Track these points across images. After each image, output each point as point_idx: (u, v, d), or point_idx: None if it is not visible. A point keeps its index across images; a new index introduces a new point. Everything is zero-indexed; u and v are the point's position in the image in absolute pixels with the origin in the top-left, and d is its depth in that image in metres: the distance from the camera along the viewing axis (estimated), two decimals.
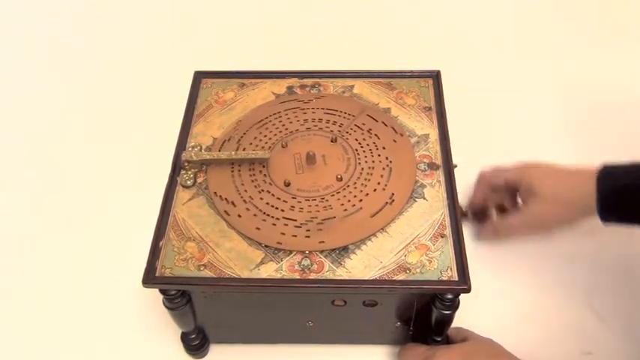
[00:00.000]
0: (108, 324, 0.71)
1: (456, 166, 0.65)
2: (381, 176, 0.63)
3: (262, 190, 0.63)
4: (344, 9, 1.13)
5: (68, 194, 0.84)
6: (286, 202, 0.62)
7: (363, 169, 0.64)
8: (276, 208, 0.61)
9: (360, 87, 0.73)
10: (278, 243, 0.59)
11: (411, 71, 0.75)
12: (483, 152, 0.84)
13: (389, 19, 1.11)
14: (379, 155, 0.65)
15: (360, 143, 0.67)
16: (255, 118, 0.70)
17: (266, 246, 0.58)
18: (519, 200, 0.72)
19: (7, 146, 0.92)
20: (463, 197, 0.64)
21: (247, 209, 0.61)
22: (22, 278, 0.76)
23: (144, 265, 0.57)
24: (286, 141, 0.67)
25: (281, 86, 0.74)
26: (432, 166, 0.65)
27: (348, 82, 0.74)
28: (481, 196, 0.74)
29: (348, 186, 0.63)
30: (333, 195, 0.62)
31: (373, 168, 0.64)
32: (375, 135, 0.67)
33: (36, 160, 0.90)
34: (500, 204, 0.74)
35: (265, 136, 0.68)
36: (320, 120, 0.69)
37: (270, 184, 0.64)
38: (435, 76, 0.74)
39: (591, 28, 1.07)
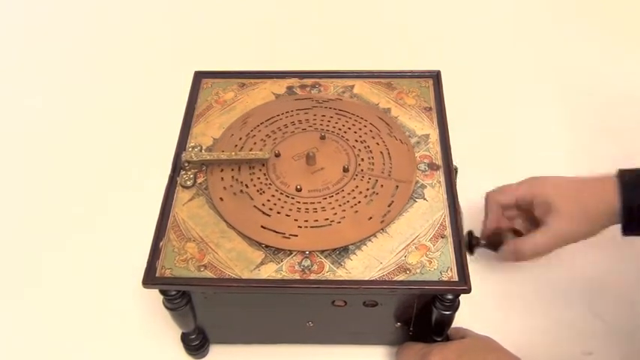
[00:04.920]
0: (108, 324, 0.71)
1: (456, 170, 0.65)
2: (315, 221, 0.60)
3: (256, 142, 0.67)
4: (344, 9, 1.13)
5: (68, 194, 0.84)
6: (256, 164, 0.65)
7: (320, 203, 0.61)
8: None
9: (360, 87, 0.73)
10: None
11: (411, 71, 0.75)
12: (483, 152, 0.85)
13: (389, 19, 1.11)
14: (344, 211, 0.60)
15: (353, 191, 0.62)
16: (347, 108, 0.70)
17: (266, 246, 0.59)
18: (538, 217, 0.66)
19: (6, 146, 0.92)
20: (464, 200, 0.64)
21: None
22: (22, 278, 0.76)
23: (144, 265, 0.57)
24: (328, 136, 0.67)
25: (281, 86, 0.74)
26: (432, 166, 0.65)
27: (348, 82, 0.74)
28: (493, 218, 0.69)
29: (293, 198, 0.62)
30: (277, 192, 0.62)
31: (324, 209, 0.61)
32: (372, 201, 0.61)
33: (35, 160, 0.90)
34: (514, 228, 0.70)
35: (332, 120, 0.69)
36: (370, 151, 0.65)
37: (274, 151, 0.66)
38: (435, 76, 0.74)
39: (592, 27, 1.07)
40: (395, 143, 0.67)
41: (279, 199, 0.62)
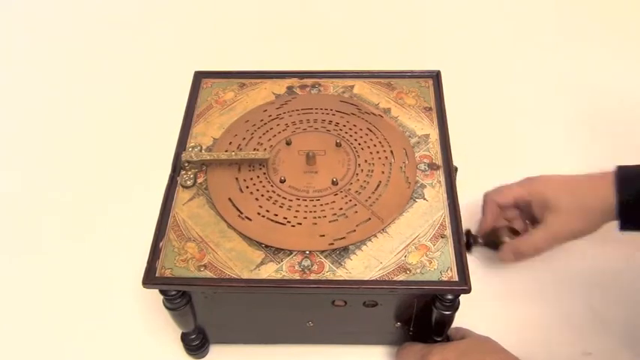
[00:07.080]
0: (108, 324, 0.71)
1: (456, 169, 0.65)
2: (275, 215, 0.60)
3: (280, 124, 0.69)
4: (344, 9, 1.13)
5: (68, 194, 0.84)
6: (261, 145, 0.67)
7: (291, 201, 0.61)
8: (253, 138, 0.67)
9: (360, 87, 0.73)
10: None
11: (411, 71, 0.75)
12: (484, 153, 0.85)
13: (389, 19, 1.11)
14: (305, 218, 0.60)
15: (327, 204, 0.61)
16: (382, 127, 0.68)
17: (266, 246, 0.59)
18: (537, 216, 0.67)
19: (6, 146, 0.92)
20: (464, 200, 0.64)
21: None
22: (22, 279, 0.76)
23: (144, 265, 0.57)
24: (345, 145, 0.67)
25: (281, 86, 0.74)
26: (432, 166, 0.65)
27: (348, 82, 0.74)
28: (491, 217, 0.70)
29: (272, 187, 0.63)
30: (263, 174, 0.64)
31: (289, 208, 0.61)
32: (336, 221, 0.60)
33: (35, 159, 0.90)
34: (511, 227, 0.70)
35: (358, 133, 0.68)
36: (370, 177, 0.63)
37: (287, 138, 0.67)
38: (435, 76, 0.74)
39: (592, 27, 1.07)
40: (400, 180, 0.63)
41: (260, 182, 0.63)
